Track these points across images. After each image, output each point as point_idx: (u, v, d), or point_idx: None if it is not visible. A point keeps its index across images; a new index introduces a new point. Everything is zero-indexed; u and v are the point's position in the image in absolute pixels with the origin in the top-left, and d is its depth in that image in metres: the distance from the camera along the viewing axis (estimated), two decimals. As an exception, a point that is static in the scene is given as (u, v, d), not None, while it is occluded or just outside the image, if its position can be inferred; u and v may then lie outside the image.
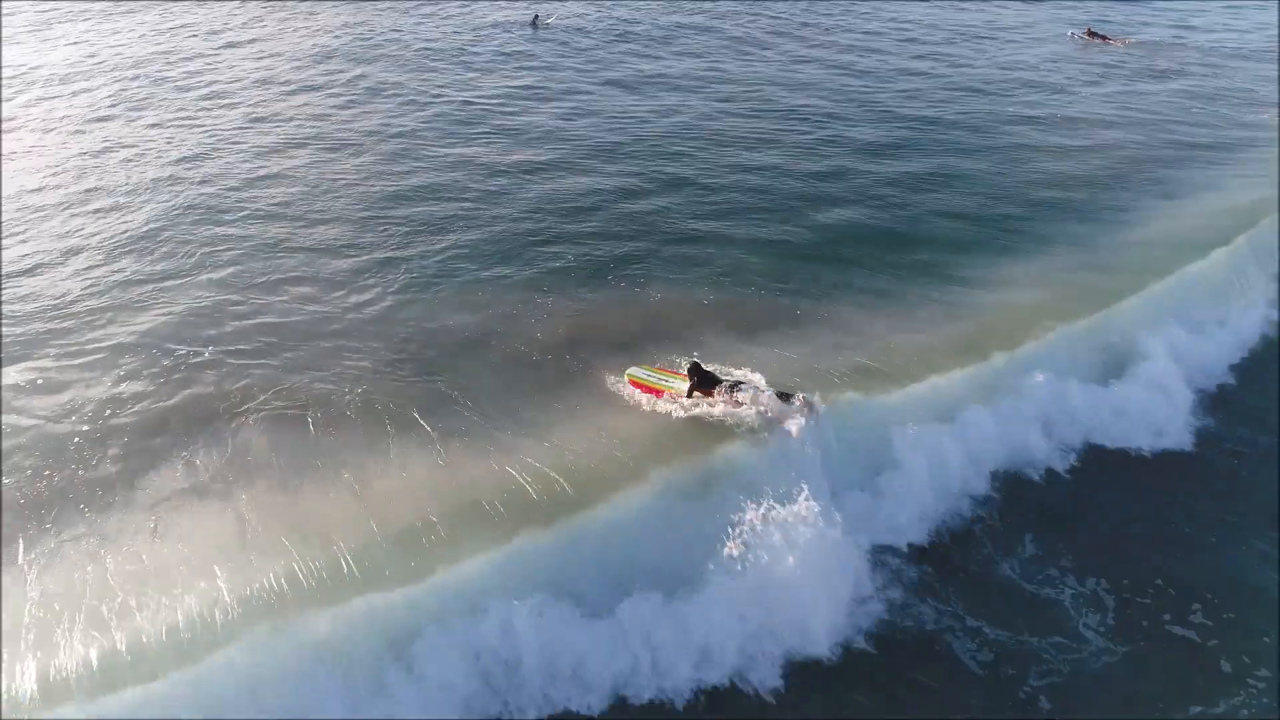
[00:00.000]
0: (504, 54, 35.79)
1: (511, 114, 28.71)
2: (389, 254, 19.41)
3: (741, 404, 13.58)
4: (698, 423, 13.67)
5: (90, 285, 18.09)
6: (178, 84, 31.62)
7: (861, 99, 31.11)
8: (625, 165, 24.53)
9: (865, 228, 21.48)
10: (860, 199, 23.06)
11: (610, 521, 12.09)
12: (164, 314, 17.14)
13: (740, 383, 13.93)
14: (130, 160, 24.67)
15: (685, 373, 14.18)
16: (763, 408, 13.44)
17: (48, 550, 11.68)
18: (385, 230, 20.51)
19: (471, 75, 32.85)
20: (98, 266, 18.83)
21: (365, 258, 19.23)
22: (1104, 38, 39.77)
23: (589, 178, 23.70)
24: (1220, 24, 44.53)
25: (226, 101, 29.78)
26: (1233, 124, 29.50)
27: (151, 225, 20.61)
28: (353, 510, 12.17)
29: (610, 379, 15.00)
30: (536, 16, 41.01)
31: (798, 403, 13.41)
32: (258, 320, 16.94)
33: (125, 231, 20.35)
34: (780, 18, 42.73)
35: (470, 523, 11.87)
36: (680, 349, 15.77)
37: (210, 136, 26.47)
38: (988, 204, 22.93)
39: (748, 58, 36.10)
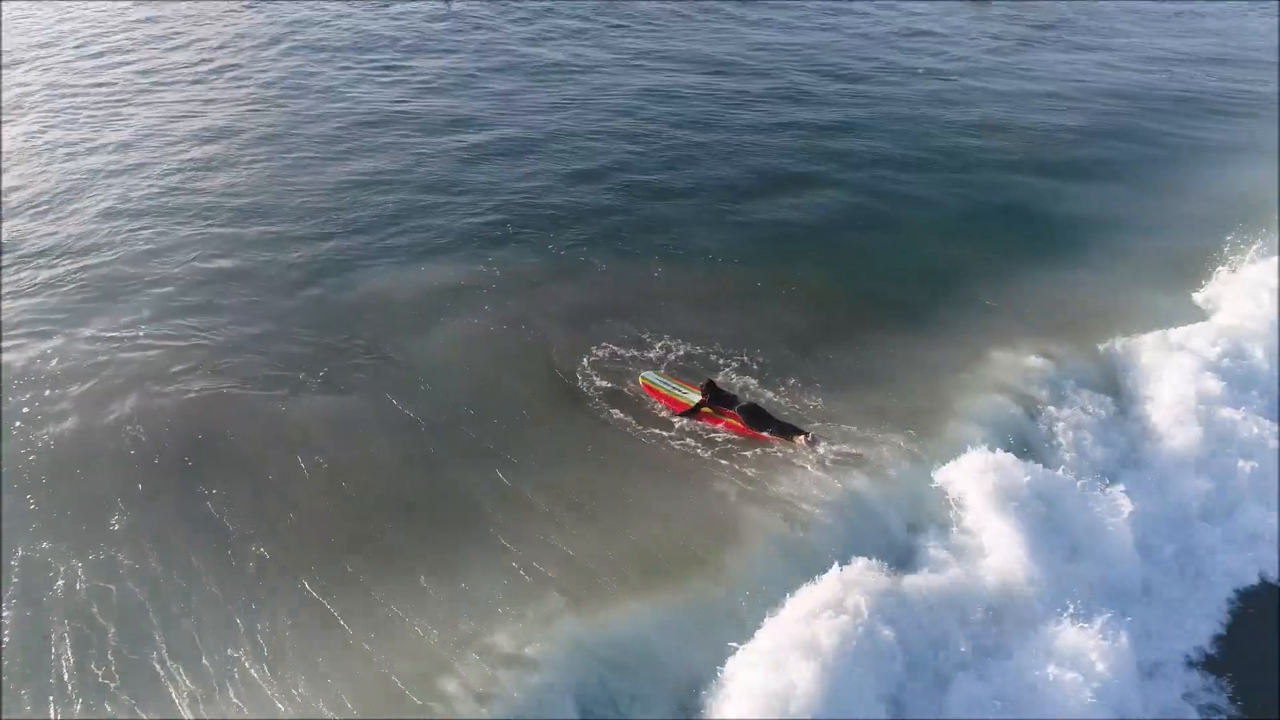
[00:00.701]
0: (427, 34, 35.16)
1: (439, 92, 28.34)
2: (327, 239, 19.07)
3: (763, 437, 13.11)
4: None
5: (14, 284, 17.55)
6: (95, 67, 30.34)
7: (791, 66, 31.56)
8: (564, 145, 24.32)
9: (817, 201, 21.29)
10: (814, 172, 22.89)
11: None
12: (100, 301, 16.78)
13: (759, 410, 13.39)
14: (49, 148, 23.75)
15: (700, 386, 13.80)
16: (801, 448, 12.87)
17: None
18: (322, 213, 20.15)
19: (396, 55, 32.23)
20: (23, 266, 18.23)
21: (304, 246, 18.80)
22: None
23: (527, 153, 23.57)
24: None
25: (151, 81, 28.71)
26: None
27: (82, 219, 19.92)
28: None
29: (569, 353, 15.06)
30: None
31: (804, 441, 12.90)
32: (205, 311, 16.66)
33: (55, 227, 19.70)
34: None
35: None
36: (635, 321, 15.99)
37: (134, 122, 25.50)
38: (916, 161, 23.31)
39: (666, 31, 36.16)
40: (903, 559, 11.45)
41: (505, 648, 9.85)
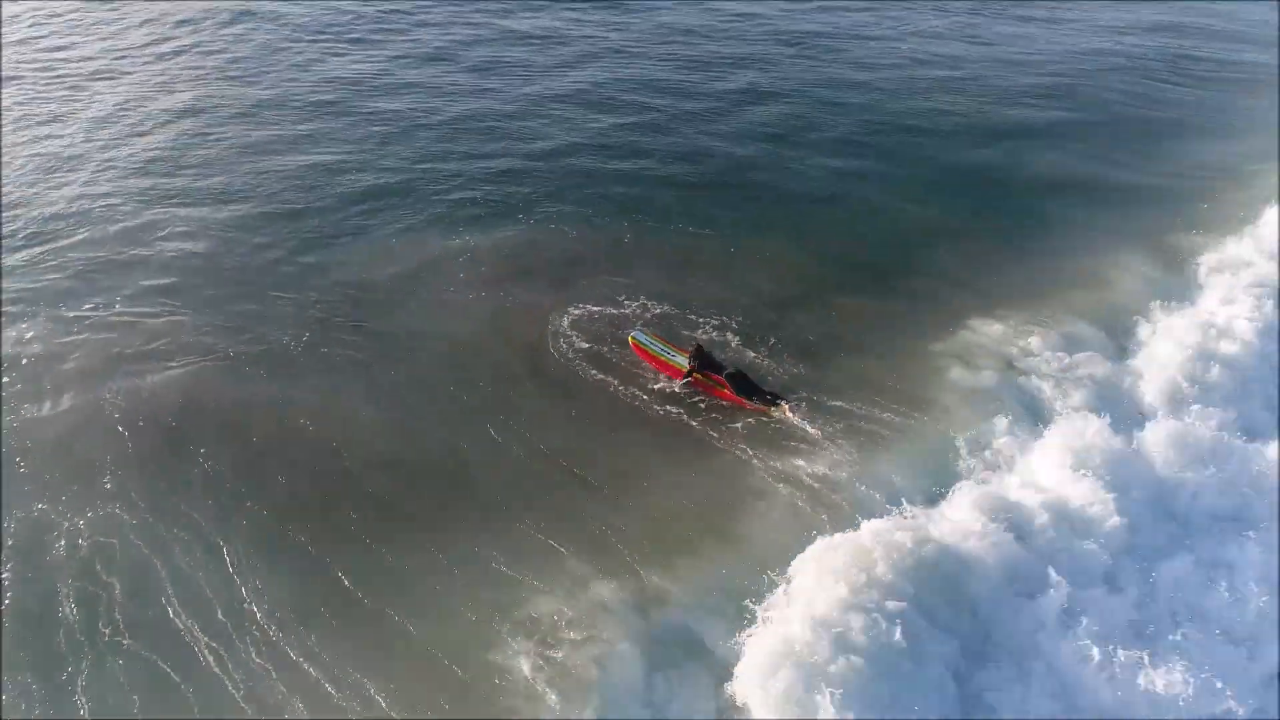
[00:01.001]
0: (391, 7, 34.74)
1: (406, 67, 28.17)
2: (299, 216, 19.14)
3: (750, 406, 13.26)
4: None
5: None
6: (55, 47, 29.72)
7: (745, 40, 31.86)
8: (533, 117, 24.44)
9: (784, 170, 21.56)
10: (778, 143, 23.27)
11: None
12: (75, 280, 16.82)
13: (746, 379, 13.55)
14: (12, 129, 23.36)
15: (689, 351, 14.02)
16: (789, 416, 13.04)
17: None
18: (293, 190, 20.21)
19: (360, 30, 31.89)
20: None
21: (276, 223, 18.88)
22: None
23: (497, 127, 23.65)
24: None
25: (113, 59, 28.24)
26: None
27: (51, 200, 19.77)
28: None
29: (547, 316, 15.37)
30: None
31: (788, 410, 13.13)
32: (181, 288, 16.70)
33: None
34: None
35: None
36: (610, 285, 16.37)
37: (99, 102, 25.09)
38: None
39: (632, 3, 36.23)
40: (917, 530, 10.93)
41: (543, 619, 9.92)
